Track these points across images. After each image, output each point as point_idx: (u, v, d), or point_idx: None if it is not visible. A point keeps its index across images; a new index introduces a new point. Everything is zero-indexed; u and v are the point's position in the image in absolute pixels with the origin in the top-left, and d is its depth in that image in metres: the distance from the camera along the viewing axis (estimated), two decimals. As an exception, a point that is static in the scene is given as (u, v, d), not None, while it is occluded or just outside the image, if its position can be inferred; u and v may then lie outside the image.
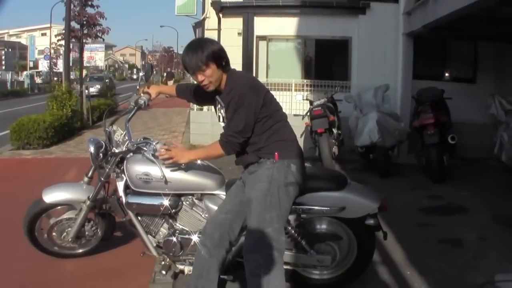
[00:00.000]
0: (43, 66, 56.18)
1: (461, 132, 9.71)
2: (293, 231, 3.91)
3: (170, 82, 25.79)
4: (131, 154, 4.04)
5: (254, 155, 3.56)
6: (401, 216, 6.31)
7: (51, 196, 4.50)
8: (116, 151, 4.11)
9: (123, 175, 4.04)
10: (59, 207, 4.63)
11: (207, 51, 3.41)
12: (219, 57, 3.47)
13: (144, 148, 3.94)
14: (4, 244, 5.25)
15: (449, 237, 5.72)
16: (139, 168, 3.93)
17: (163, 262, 4.06)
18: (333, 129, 9.29)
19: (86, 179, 4.52)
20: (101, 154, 4.23)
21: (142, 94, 4.13)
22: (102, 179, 4.25)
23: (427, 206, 7.07)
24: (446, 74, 12.38)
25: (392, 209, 6.14)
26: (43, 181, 5.53)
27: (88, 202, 4.38)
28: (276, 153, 3.49)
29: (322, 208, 3.84)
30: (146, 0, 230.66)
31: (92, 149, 4.25)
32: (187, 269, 4.01)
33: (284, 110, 3.70)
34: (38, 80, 49.96)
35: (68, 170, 8.47)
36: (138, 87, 4.35)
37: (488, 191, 7.95)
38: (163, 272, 4.01)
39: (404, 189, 8.12)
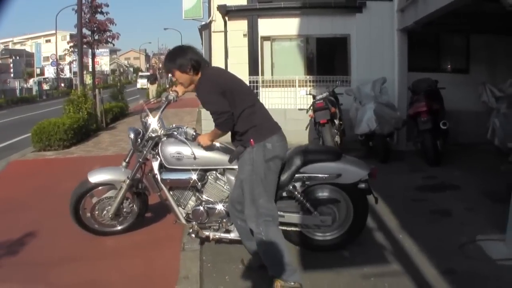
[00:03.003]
0: (49, 72, 56.71)
1: (457, 120, 10.42)
2: (299, 196, 4.71)
3: (154, 86, 27.02)
4: (165, 138, 4.87)
5: (240, 147, 4.40)
6: (398, 193, 7.09)
7: (95, 177, 5.33)
8: (153, 135, 4.94)
9: (158, 156, 4.86)
10: (100, 187, 5.42)
11: (172, 63, 4.42)
12: (181, 65, 4.38)
13: (175, 133, 4.78)
14: (49, 226, 6.04)
15: (439, 209, 6.42)
16: (172, 148, 4.76)
17: (191, 229, 4.86)
18: (335, 120, 9.96)
19: (124, 163, 5.32)
20: (139, 140, 5.06)
21: (171, 92, 4.93)
22: (140, 160, 5.07)
23: (422, 185, 7.75)
24: (441, 66, 12.93)
25: (390, 188, 7.02)
26: (71, 176, 6.37)
27: (127, 181, 5.18)
28: (251, 140, 4.27)
29: (323, 175, 4.68)
30: (149, 3, 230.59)
31: (132, 135, 5.06)
32: (212, 234, 4.87)
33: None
34: (45, 86, 50.58)
35: (91, 167, 9.11)
36: (167, 86, 5.22)
37: (480, 171, 8.53)
38: (192, 235, 4.85)
39: (402, 171, 8.80)
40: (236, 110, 4.26)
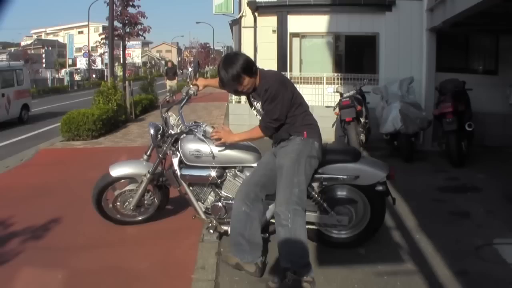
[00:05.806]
0: (81, 63, 57.33)
1: (484, 122, 10.35)
2: (317, 196, 4.77)
3: (173, 82, 24.75)
4: (184, 134, 4.97)
5: (286, 133, 4.47)
6: (418, 193, 7.11)
7: (117, 171, 5.46)
8: (172, 132, 5.05)
9: (177, 152, 4.97)
10: (122, 180, 5.56)
11: (240, 71, 4.28)
12: (249, 69, 4.33)
13: (195, 130, 4.87)
14: (73, 213, 6.29)
15: (459, 210, 6.40)
16: (191, 146, 4.86)
17: (210, 224, 4.98)
18: (361, 118, 9.99)
19: (145, 157, 5.46)
20: (159, 135, 5.17)
21: (191, 86, 5.03)
22: (160, 156, 5.19)
23: (443, 186, 7.71)
24: (469, 67, 12.73)
25: (412, 187, 7.06)
26: (98, 166, 6.57)
27: (148, 175, 5.31)
28: (305, 132, 4.41)
29: (341, 176, 4.72)
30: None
31: (152, 131, 5.17)
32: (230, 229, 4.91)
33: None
34: (77, 77, 51.12)
35: (118, 157, 9.27)
36: (188, 80, 5.30)
37: (504, 174, 8.43)
38: (211, 231, 4.96)
39: (425, 172, 8.77)
40: (297, 111, 4.43)
